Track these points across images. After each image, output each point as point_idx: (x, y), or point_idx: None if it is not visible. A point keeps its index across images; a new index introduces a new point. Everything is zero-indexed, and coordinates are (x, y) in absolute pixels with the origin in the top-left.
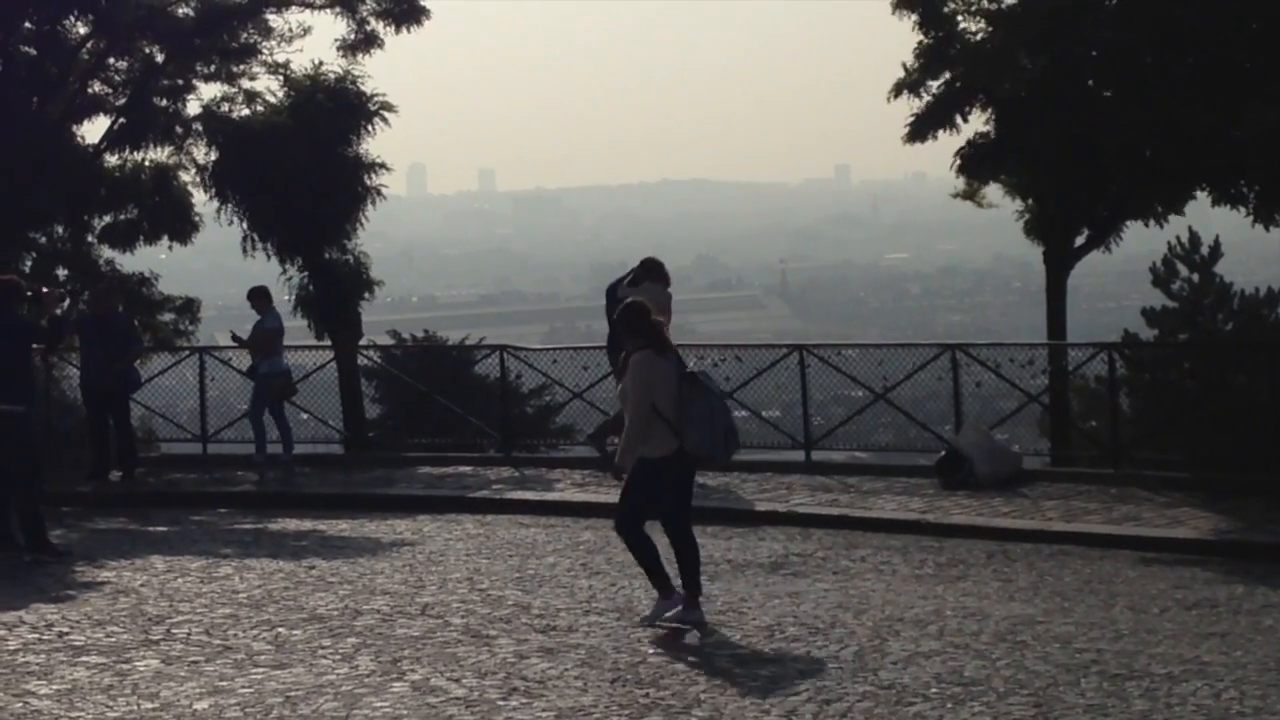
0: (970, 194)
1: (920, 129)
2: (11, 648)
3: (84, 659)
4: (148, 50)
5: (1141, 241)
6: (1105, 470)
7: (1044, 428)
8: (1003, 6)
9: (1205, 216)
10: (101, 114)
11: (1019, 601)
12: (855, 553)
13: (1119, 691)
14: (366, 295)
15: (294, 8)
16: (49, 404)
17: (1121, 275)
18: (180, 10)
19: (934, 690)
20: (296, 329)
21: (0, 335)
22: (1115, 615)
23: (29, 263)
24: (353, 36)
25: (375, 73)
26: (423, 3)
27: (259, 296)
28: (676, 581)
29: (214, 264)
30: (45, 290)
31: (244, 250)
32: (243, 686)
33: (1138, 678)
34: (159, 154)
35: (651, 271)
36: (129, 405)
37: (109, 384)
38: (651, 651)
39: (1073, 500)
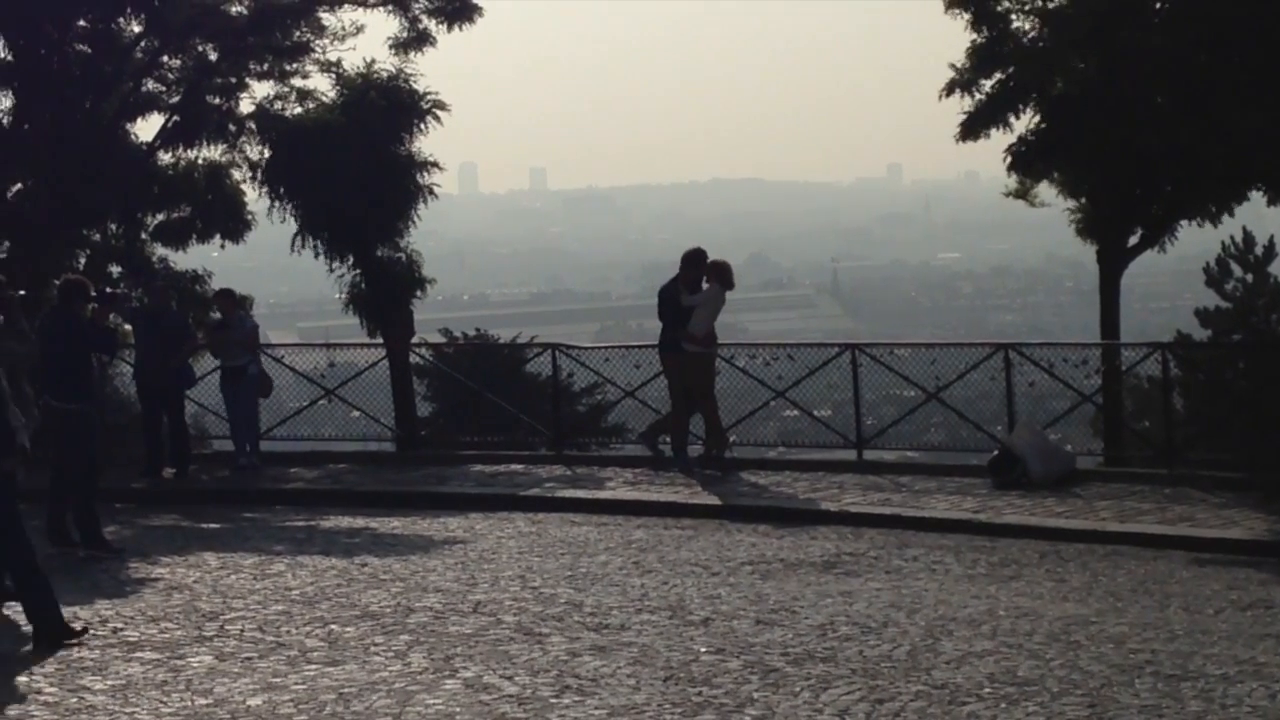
0: (1023, 193)
1: (972, 127)
2: (67, 643)
3: (138, 655)
4: (201, 49)
5: (1195, 241)
6: (1159, 471)
7: (1097, 428)
8: (1053, 6)
9: (1259, 216)
10: (155, 112)
11: (1073, 602)
12: (907, 552)
13: (1174, 692)
14: (418, 293)
15: (347, 6)
16: (102, 401)
17: (1175, 275)
18: (233, 9)
19: (987, 690)
20: (348, 327)
21: (63, 334)
22: (1170, 616)
23: (83, 260)
24: (405, 35)
25: (427, 71)
26: (475, 1)
27: (228, 298)
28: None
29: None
30: (115, 291)
31: (292, 248)
32: (296, 683)
33: (1192, 678)
34: (212, 152)
35: (722, 274)
36: (183, 402)
37: (164, 380)
38: (704, 650)
39: (1126, 500)
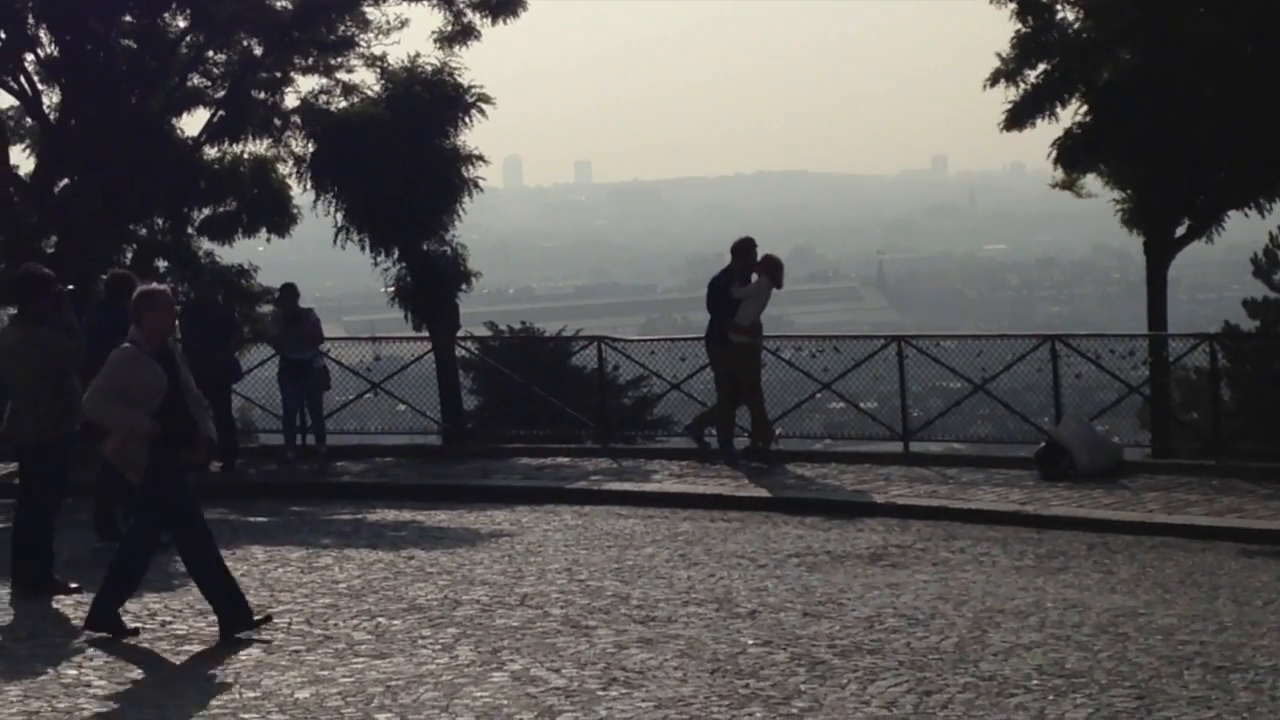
0: (1069, 184)
1: (1017, 117)
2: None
3: (186, 648)
4: (246, 43)
5: (1243, 231)
6: (1207, 462)
7: (1144, 419)
8: None
9: None
10: (201, 107)
11: (1120, 593)
12: (954, 544)
13: (1223, 684)
14: (464, 287)
15: (391, 0)
16: None
17: (1222, 266)
18: (279, 3)
19: (1035, 682)
20: (394, 320)
21: (111, 330)
22: (1218, 607)
23: (129, 255)
24: (450, 28)
25: (472, 64)
26: None
27: (293, 293)
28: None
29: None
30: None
31: (335, 241)
32: (343, 676)
33: (1241, 670)
34: (257, 147)
35: (773, 271)
36: (230, 396)
37: (210, 374)
38: (751, 642)
39: (1174, 492)
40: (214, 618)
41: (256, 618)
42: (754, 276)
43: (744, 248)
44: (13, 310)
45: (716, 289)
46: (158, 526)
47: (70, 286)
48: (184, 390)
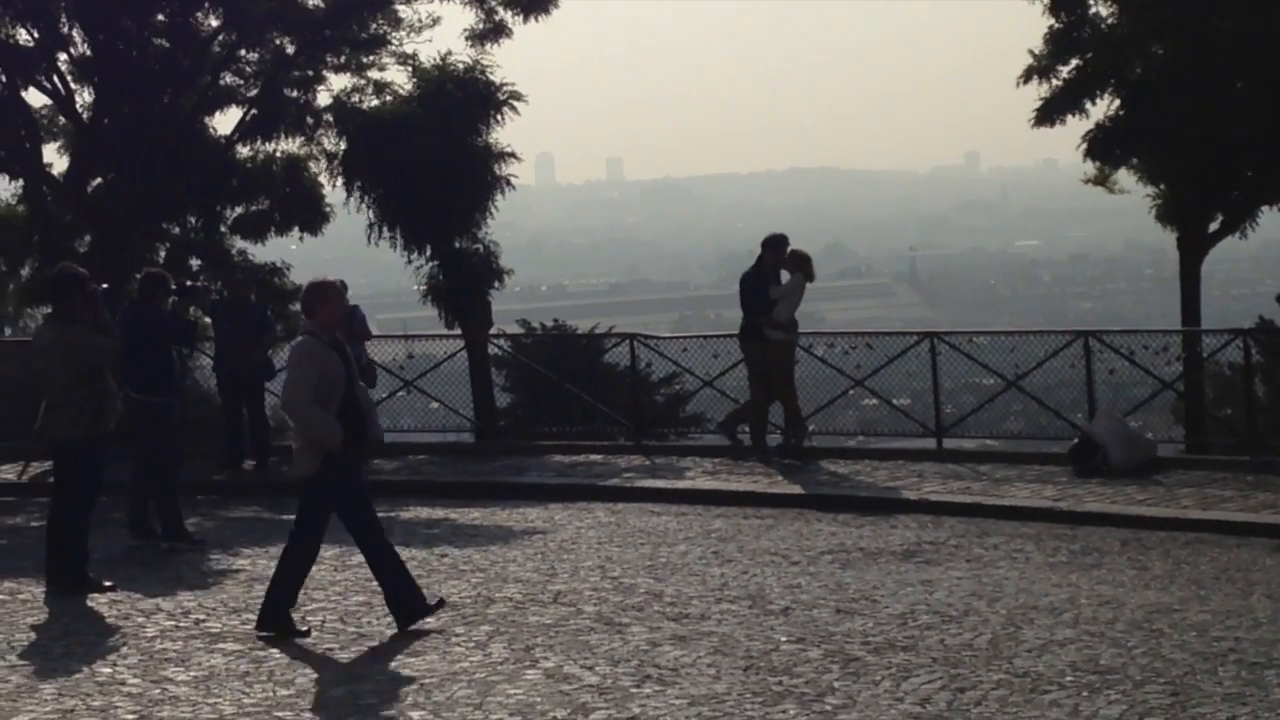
0: (1102, 179)
1: (1049, 113)
2: (150, 635)
3: (220, 646)
4: (278, 42)
5: (1276, 226)
6: (1241, 458)
7: (1178, 415)
8: None
9: None
10: (233, 105)
11: (1154, 589)
12: (988, 540)
13: (1258, 680)
14: (496, 284)
15: None
16: (183, 394)
17: (1256, 261)
18: (311, 2)
19: (1069, 678)
20: (426, 318)
21: (145, 328)
22: (1253, 604)
23: (162, 253)
24: (481, 26)
25: (503, 62)
26: None
27: (344, 289)
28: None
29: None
30: (195, 285)
31: (368, 240)
32: (377, 673)
33: (1276, 666)
34: (290, 145)
35: (804, 265)
36: (264, 394)
37: (244, 373)
38: (784, 639)
39: (1208, 488)
40: (249, 615)
41: (430, 602)
42: (784, 273)
43: (774, 242)
44: (47, 309)
45: (748, 285)
46: (324, 521)
47: (104, 285)
48: (355, 383)
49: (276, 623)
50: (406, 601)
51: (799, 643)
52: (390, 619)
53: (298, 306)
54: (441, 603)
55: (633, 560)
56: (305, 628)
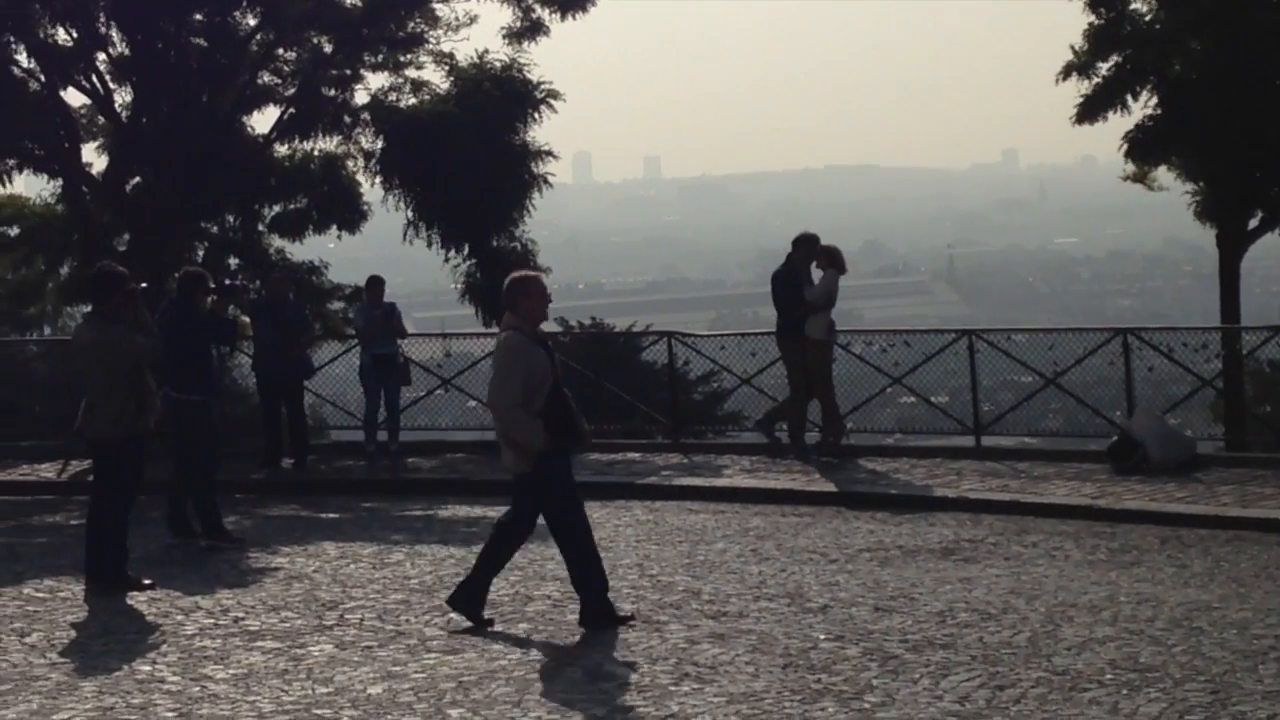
0: (1141, 177)
1: (1089, 110)
2: (189, 632)
3: (259, 644)
4: (316, 41)
5: None
6: None
7: (1217, 412)
8: None
9: None
10: (271, 105)
11: (1194, 587)
12: (1026, 538)
13: None
14: None
15: None
16: (221, 392)
17: None
18: (348, 1)
19: (1109, 676)
20: (464, 317)
21: (183, 327)
22: None
23: (201, 252)
24: (518, 24)
25: (541, 60)
26: None
27: (380, 286)
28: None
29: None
30: (234, 284)
31: (404, 238)
32: (415, 671)
33: None
34: (327, 144)
35: (835, 259)
36: (303, 392)
37: (284, 371)
38: (823, 637)
39: (1248, 485)
40: (287, 613)
41: (623, 614)
42: (815, 270)
43: (804, 241)
44: (86, 308)
45: (779, 283)
46: (536, 514)
47: (144, 284)
48: (559, 377)
49: (467, 605)
50: (466, 590)
51: (837, 640)
52: (428, 616)
53: (335, 305)
54: (630, 618)
55: (671, 558)
56: (490, 615)
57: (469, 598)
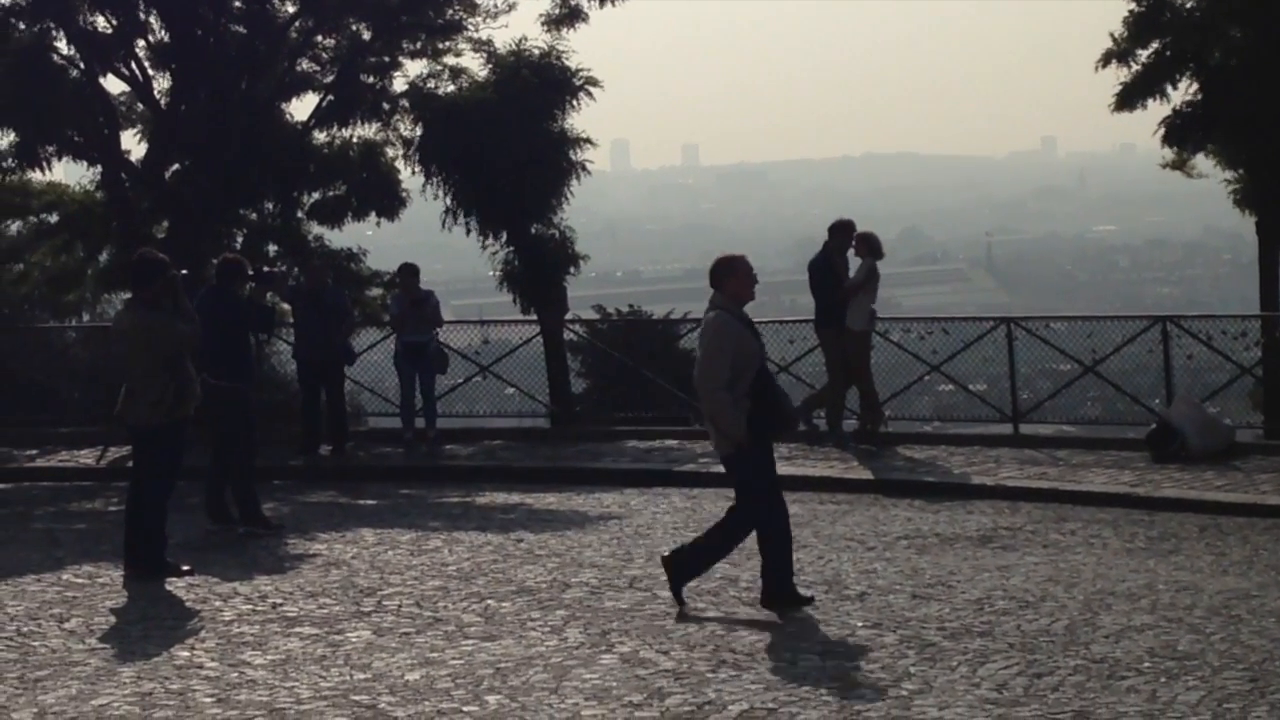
0: (1180, 164)
1: (1128, 98)
2: (227, 618)
3: (297, 630)
4: (354, 28)
5: None
6: None
7: (1256, 400)
8: None
9: None
10: (310, 92)
11: (1233, 575)
12: (1065, 526)
13: None
14: (571, 270)
15: None
16: (259, 379)
17: None
18: None
19: (1147, 664)
20: (502, 304)
21: (222, 314)
22: None
23: (240, 239)
24: (557, 11)
25: (579, 47)
26: None
27: (414, 274)
28: None
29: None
30: (273, 271)
31: (443, 225)
32: (453, 658)
33: None
34: (366, 131)
35: (872, 245)
36: (343, 379)
37: (326, 358)
38: (860, 624)
39: None
40: (325, 600)
41: (807, 594)
42: (852, 256)
43: (840, 228)
44: (125, 295)
45: (817, 271)
46: (771, 483)
47: (184, 271)
48: (765, 357)
49: (785, 596)
50: (775, 583)
51: (875, 628)
52: (466, 603)
53: (374, 292)
54: (811, 599)
55: None
56: (809, 593)
57: (779, 591)
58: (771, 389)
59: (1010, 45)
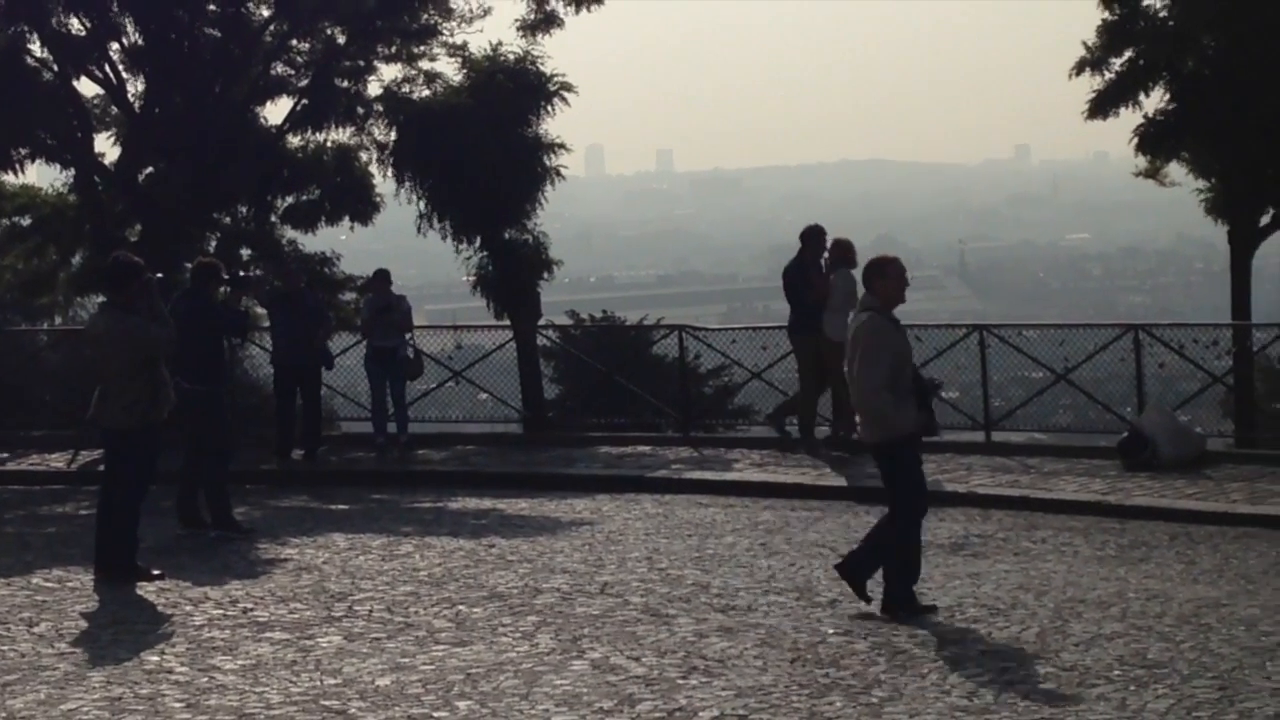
0: (1153, 172)
1: (1101, 106)
2: (198, 623)
3: (268, 635)
4: (329, 32)
5: None
6: None
7: (1228, 409)
8: None
9: None
10: (284, 96)
11: (1203, 584)
12: (1036, 534)
13: None
14: (545, 275)
15: None
16: (231, 383)
17: None
18: None
19: (1117, 672)
20: (476, 309)
21: (195, 317)
22: None
23: (214, 243)
24: (532, 17)
25: (554, 53)
26: None
27: (386, 279)
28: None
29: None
30: (248, 275)
31: (417, 229)
32: (424, 663)
33: None
34: (340, 135)
35: (846, 253)
36: (320, 383)
37: (304, 361)
38: (831, 631)
39: (1258, 482)
40: (296, 604)
41: (926, 603)
42: (824, 263)
43: (812, 234)
44: (98, 298)
45: (791, 277)
46: (922, 478)
47: (159, 275)
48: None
49: (905, 602)
50: (858, 571)
51: (846, 635)
52: (437, 608)
53: (348, 296)
54: (934, 608)
55: (680, 551)
56: (932, 604)
57: (901, 595)
58: (920, 385)
59: (985, 53)
